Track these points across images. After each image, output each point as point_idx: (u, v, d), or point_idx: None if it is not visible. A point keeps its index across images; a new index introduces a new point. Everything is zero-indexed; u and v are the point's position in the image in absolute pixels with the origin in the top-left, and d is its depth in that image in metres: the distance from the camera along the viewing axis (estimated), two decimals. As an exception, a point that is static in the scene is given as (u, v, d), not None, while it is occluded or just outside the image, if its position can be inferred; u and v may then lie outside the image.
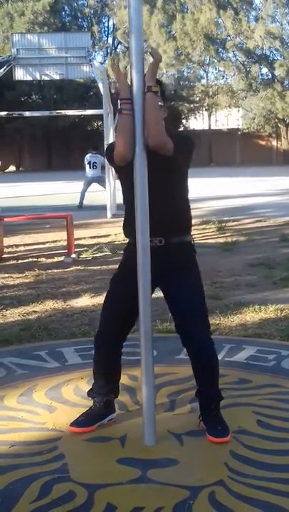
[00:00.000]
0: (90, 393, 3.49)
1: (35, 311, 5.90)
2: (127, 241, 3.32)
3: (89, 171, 16.84)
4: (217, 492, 2.71)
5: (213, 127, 50.47)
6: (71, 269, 7.99)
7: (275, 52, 42.86)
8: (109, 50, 49.32)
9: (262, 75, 43.96)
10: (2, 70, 15.95)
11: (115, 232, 10.88)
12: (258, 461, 2.96)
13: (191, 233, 3.31)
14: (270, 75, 43.16)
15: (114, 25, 48.65)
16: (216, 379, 3.29)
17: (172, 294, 3.23)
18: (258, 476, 2.83)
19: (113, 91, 20.50)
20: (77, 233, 10.12)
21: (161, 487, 2.77)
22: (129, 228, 3.17)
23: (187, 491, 2.72)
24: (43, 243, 10.35)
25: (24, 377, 4.17)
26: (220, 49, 42.74)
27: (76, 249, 9.10)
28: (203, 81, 48.56)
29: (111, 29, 50.89)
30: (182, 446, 3.12)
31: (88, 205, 16.35)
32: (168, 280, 3.20)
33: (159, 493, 2.73)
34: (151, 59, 2.98)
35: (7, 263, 8.56)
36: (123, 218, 3.28)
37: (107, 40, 51.04)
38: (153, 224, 3.01)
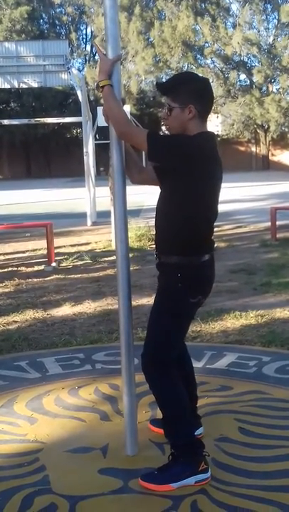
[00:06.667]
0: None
1: (15, 321, 5.86)
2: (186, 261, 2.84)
3: None
4: (199, 501, 2.71)
5: (192, 134, 50.55)
6: (51, 277, 7.95)
7: (252, 58, 43.04)
8: (87, 58, 49.30)
9: (240, 81, 44.11)
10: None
11: (96, 240, 10.85)
12: (240, 469, 2.96)
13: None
14: (249, 81, 43.38)
15: (92, 32, 48.61)
16: None
17: None
18: (240, 484, 2.83)
19: (92, 98, 20.49)
20: (58, 241, 10.08)
21: (143, 497, 2.76)
22: (209, 243, 2.88)
23: (169, 500, 2.72)
24: (23, 252, 10.28)
25: (4, 388, 4.13)
26: (198, 56, 42.78)
27: (56, 258, 9.06)
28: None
29: (89, 36, 50.88)
30: (164, 455, 3.10)
31: (68, 212, 16.29)
32: None
33: (141, 503, 2.72)
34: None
35: (-13, 272, 8.50)
36: (190, 236, 2.80)
37: (85, 47, 51.00)
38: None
